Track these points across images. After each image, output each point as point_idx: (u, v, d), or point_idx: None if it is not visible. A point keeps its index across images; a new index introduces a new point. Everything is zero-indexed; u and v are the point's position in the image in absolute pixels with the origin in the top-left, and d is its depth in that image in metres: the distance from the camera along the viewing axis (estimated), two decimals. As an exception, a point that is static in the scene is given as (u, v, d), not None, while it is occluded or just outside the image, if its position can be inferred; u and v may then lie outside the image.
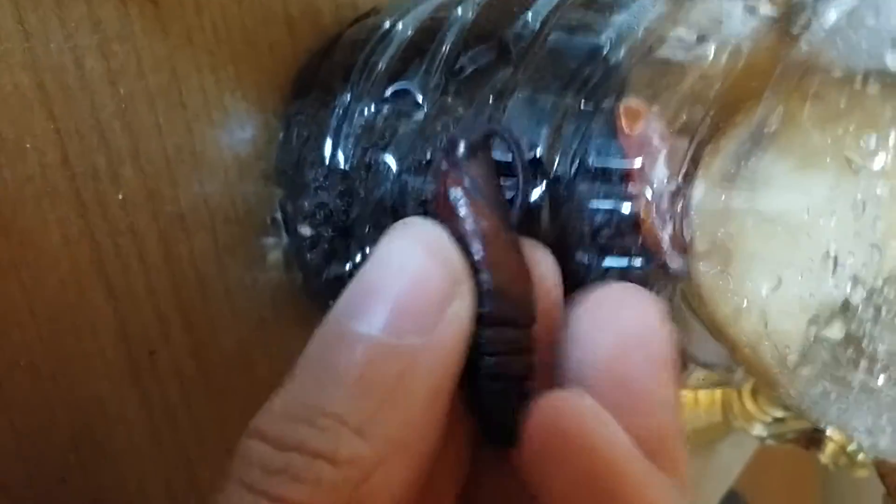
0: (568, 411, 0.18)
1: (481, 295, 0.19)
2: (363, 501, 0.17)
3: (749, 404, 0.46)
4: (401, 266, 0.19)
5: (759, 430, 0.46)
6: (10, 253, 0.23)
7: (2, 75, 0.22)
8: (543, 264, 0.21)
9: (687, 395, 0.44)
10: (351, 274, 0.27)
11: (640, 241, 0.21)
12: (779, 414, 0.45)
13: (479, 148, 0.21)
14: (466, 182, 0.20)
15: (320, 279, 0.28)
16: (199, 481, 0.27)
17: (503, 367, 0.19)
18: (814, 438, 0.46)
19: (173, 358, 0.26)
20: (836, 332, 0.18)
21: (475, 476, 0.22)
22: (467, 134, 0.21)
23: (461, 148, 0.20)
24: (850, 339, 0.18)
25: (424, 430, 0.18)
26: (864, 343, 0.18)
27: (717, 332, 0.21)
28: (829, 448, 0.46)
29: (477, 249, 0.19)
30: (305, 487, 0.17)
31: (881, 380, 0.18)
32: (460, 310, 0.19)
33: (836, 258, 0.18)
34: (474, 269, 0.19)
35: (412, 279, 0.18)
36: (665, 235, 0.21)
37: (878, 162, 0.17)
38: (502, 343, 0.19)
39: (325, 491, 0.17)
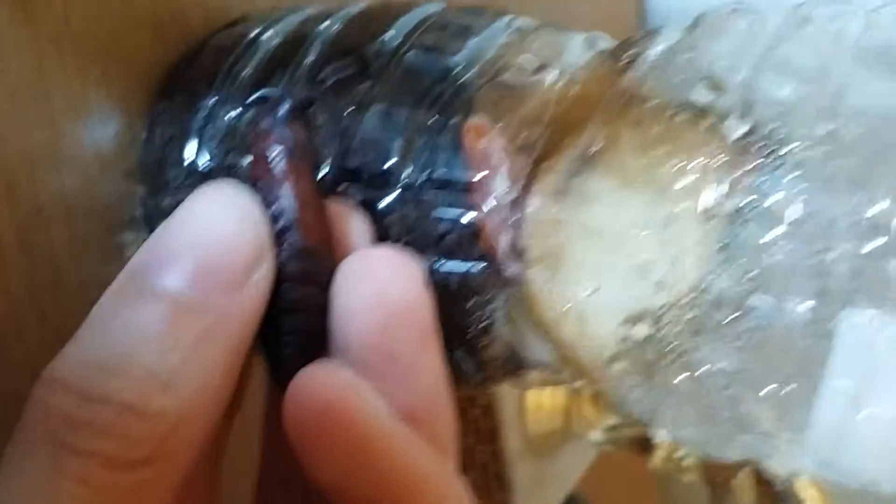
0: (327, 384, 0.18)
1: (290, 254, 0.20)
2: (167, 455, 0.17)
3: (588, 411, 0.49)
4: (211, 227, 0.19)
5: (596, 435, 0.49)
6: None
7: None
8: (349, 221, 0.22)
9: (531, 402, 0.46)
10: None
11: (480, 247, 0.23)
12: (615, 421, 0.48)
13: (299, 112, 0.22)
14: (289, 142, 0.21)
15: (178, 276, 0.28)
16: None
17: (303, 324, 0.20)
18: (645, 444, 0.49)
19: (27, 351, 0.26)
20: (641, 332, 0.20)
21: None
22: (289, 98, 0.22)
23: (283, 110, 0.21)
24: (654, 340, 0.20)
25: (225, 385, 0.19)
26: (667, 342, 0.20)
27: (544, 333, 0.23)
28: (659, 454, 0.49)
29: (292, 210, 0.20)
30: (112, 441, 0.17)
31: (681, 377, 0.20)
32: (265, 274, 0.19)
33: (645, 267, 0.20)
34: (284, 228, 0.20)
35: (222, 241, 0.19)
36: (503, 243, 0.23)
37: (683, 182, 0.20)
38: (304, 301, 0.20)
39: (132, 444, 0.17)
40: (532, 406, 0.46)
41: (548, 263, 0.22)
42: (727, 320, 0.20)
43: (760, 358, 0.20)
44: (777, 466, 0.22)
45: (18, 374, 0.26)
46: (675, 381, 0.20)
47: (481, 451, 0.45)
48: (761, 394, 0.20)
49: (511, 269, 0.23)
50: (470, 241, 0.23)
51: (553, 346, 0.23)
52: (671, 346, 0.20)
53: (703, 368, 0.20)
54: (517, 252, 0.23)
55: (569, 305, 0.21)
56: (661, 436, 0.23)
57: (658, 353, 0.20)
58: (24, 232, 0.26)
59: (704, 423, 0.21)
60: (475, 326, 0.24)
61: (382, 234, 0.24)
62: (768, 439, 0.21)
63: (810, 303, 0.19)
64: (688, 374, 0.20)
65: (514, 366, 0.26)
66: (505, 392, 0.44)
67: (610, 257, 0.21)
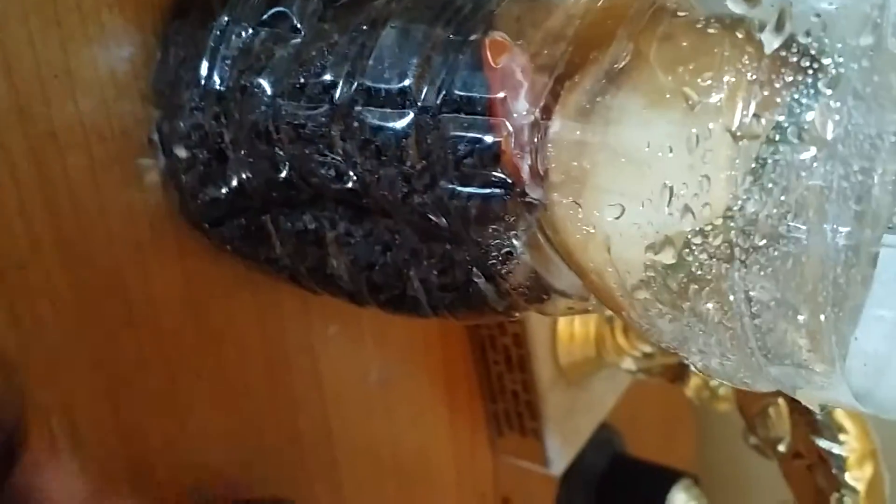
0: None
1: None
2: None
3: (620, 339, 0.48)
4: None
5: (628, 364, 0.48)
6: None
7: None
8: None
9: (562, 331, 0.46)
10: (227, 198, 0.27)
11: (500, 171, 0.22)
12: (647, 349, 0.48)
13: None
14: None
15: (196, 201, 0.28)
16: (66, 395, 0.28)
17: None
18: (679, 373, 0.49)
19: (44, 273, 0.26)
20: (668, 257, 0.19)
21: None
22: None
23: None
24: (681, 266, 0.19)
25: None
26: (693, 269, 0.19)
27: (569, 259, 0.22)
28: (693, 382, 0.48)
29: None
30: None
31: (709, 305, 0.19)
32: None
33: (671, 189, 0.19)
34: None
35: None
36: (524, 166, 0.22)
37: (713, 99, 0.18)
38: None
39: None
40: (563, 334, 0.46)
41: (571, 187, 0.21)
42: (758, 247, 0.19)
43: (793, 286, 0.19)
44: (810, 398, 0.21)
45: (37, 297, 0.26)
46: (703, 310, 0.19)
47: (512, 379, 0.45)
48: (794, 323, 0.19)
49: (533, 193, 0.22)
50: (490, 165, 0.22)
51: (577, 272, 0.22)
52: (698, 273, 0.19)
53: (731, 297, 0.19)
54: (539, 175, 0.22)
55: (593, 231, 0.21)
56: (691, 363, 0.22)
57: (685, 280, 0.19)
58: (38, 157, 0.25)
59: (733, 353, 0.20)
60: (497, 253, 0.23)
61: (399, 158, 0.23)
62: (801, 370, 0.20)
63: (847, 228, 0.18)
64: (716, 302, 0.19)
65: (539, 293, 0.25)
66: (536, 320, 0.44)
67: (635, 180, 0.20)
